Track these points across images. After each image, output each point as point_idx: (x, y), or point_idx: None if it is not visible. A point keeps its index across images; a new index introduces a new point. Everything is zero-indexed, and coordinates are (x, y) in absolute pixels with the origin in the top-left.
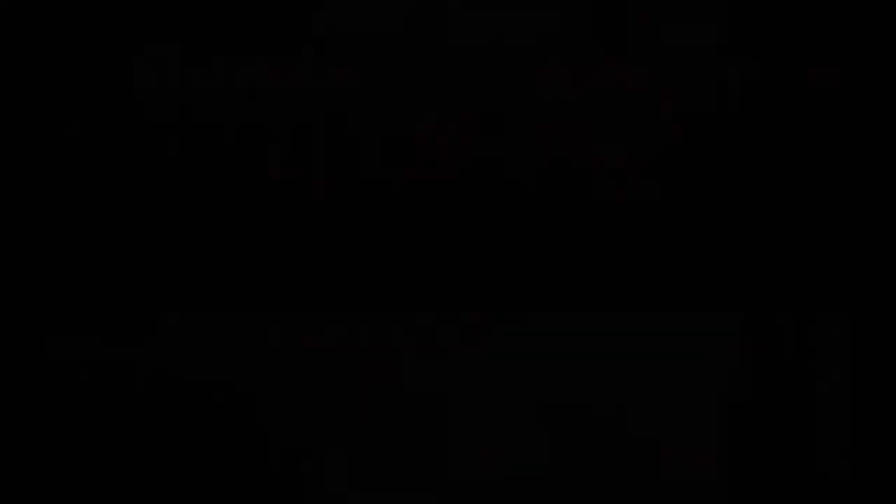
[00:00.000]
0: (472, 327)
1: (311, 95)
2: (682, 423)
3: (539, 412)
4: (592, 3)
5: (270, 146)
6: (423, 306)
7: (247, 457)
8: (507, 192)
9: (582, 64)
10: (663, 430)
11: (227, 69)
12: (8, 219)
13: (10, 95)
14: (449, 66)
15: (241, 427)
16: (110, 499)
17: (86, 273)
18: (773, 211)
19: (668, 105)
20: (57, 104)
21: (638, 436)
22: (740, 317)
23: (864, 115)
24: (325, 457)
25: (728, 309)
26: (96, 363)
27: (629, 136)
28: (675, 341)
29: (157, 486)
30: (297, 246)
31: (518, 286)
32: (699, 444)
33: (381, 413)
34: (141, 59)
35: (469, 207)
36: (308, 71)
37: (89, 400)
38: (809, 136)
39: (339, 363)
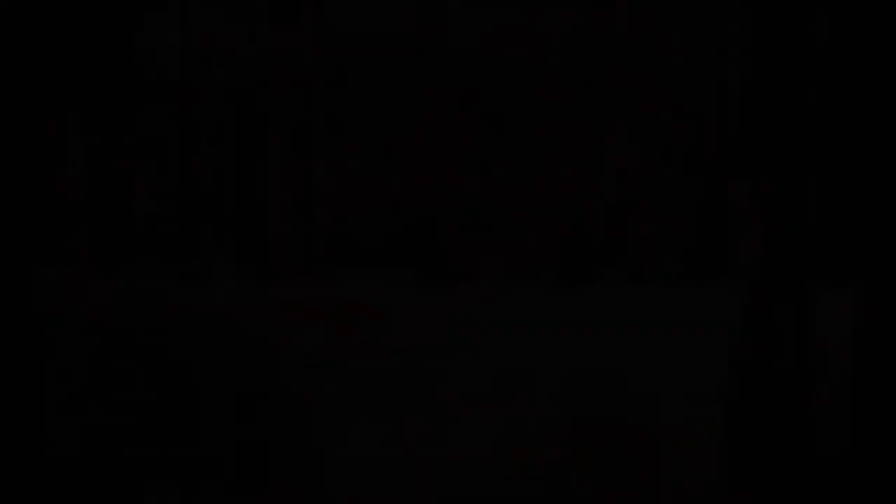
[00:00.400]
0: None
1: (310, 94)
2: (682, 404)
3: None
4: (592, 3)
5: (271, 144)
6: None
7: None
8: (508, 190)
9: (582, 64)
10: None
11: (226, 68)
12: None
13: (12, 83)
14: (449, 66)
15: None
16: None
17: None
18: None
19: (669, 105)
20: (57, 90)
21: (637, 423)
22: (741, 296)
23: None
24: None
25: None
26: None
27: (630, 136)
28: (675, 323)
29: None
30: (299, 238)
31: (523, 267)
32: (698, 422)
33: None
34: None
35: (469, 204)
36: (308, 69)
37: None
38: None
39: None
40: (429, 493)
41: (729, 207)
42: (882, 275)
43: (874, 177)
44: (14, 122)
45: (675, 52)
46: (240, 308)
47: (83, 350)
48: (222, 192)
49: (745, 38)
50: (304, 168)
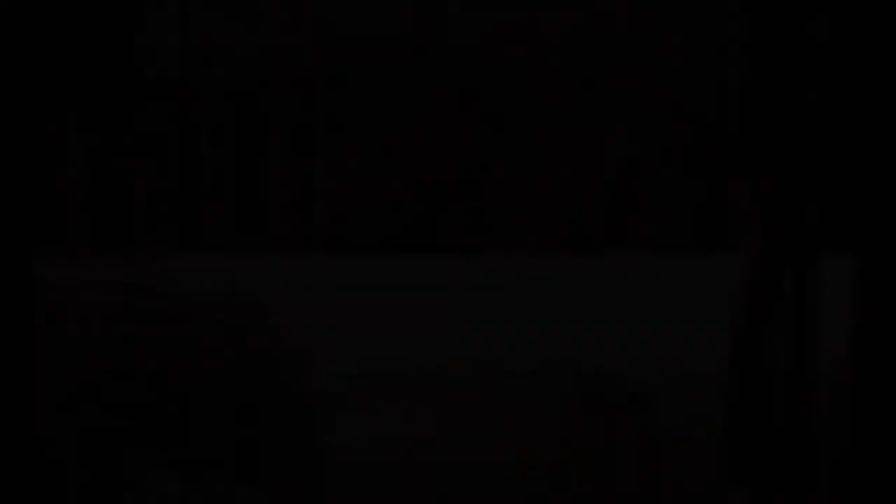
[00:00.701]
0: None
1: (311, 94)
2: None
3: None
4: (593, 3)
5: (271, 144)
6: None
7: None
8: (508, 190)
9: (582, 64)
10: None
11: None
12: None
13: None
14: (449, 66)
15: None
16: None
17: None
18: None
19: (669, 105)
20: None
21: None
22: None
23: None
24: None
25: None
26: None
27: (630, 136)
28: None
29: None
30: (299, 237)
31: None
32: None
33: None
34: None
35: (470, 204)
36: (308, 69)
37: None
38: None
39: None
40: (429, 491)
41: (729, 207)
42: (881, 276)
43: (875, 178)
44: (14, 121)
45: (675, 52)
46: (240, 307)
47: (82, 349)
48: (222, 192)
49: (745, 38)
50: (304, 168)
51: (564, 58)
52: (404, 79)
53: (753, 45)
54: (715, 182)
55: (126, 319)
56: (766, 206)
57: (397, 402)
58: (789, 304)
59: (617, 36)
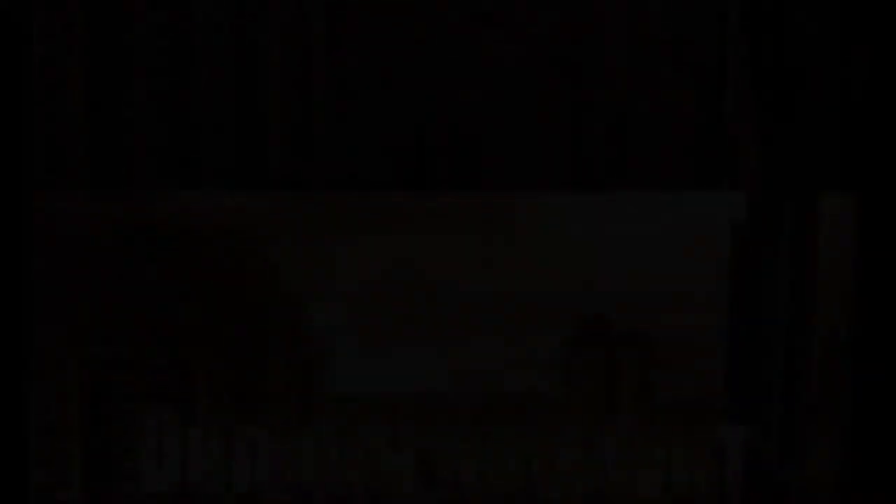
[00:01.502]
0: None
1: (310, 94)
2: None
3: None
4: (592, 4)
5: (271, 144)
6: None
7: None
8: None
9: (582, 61)
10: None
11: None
12: None
13: None
14: (449, 65)
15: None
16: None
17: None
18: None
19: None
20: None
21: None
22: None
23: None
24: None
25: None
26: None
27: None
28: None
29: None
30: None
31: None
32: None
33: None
34: None
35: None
36: (308, 66)
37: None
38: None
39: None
40: (426, 422)
41: (730, 145)
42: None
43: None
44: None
45: (675, 51)
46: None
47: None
48: (223, 192)
49: (746, 38)
50: (305, 167)
51: (563, 56)
52: (404, 78)
53: (753, 46)
54: (715, 119)
55: (125, 256)
56: (765, 144)
57: (394, 341)
58: (789, 242)
59: (616, 35)
